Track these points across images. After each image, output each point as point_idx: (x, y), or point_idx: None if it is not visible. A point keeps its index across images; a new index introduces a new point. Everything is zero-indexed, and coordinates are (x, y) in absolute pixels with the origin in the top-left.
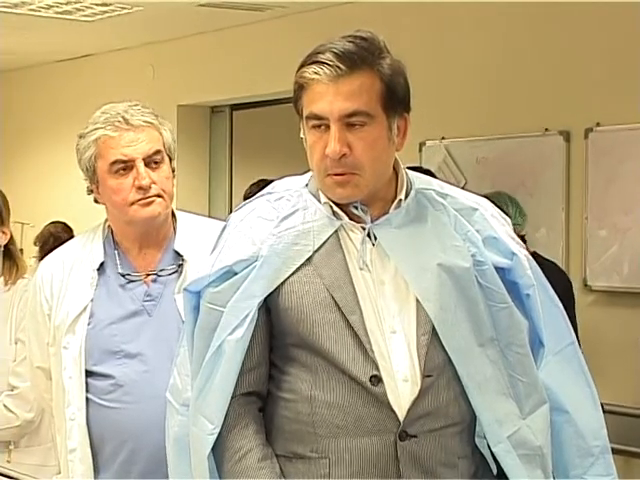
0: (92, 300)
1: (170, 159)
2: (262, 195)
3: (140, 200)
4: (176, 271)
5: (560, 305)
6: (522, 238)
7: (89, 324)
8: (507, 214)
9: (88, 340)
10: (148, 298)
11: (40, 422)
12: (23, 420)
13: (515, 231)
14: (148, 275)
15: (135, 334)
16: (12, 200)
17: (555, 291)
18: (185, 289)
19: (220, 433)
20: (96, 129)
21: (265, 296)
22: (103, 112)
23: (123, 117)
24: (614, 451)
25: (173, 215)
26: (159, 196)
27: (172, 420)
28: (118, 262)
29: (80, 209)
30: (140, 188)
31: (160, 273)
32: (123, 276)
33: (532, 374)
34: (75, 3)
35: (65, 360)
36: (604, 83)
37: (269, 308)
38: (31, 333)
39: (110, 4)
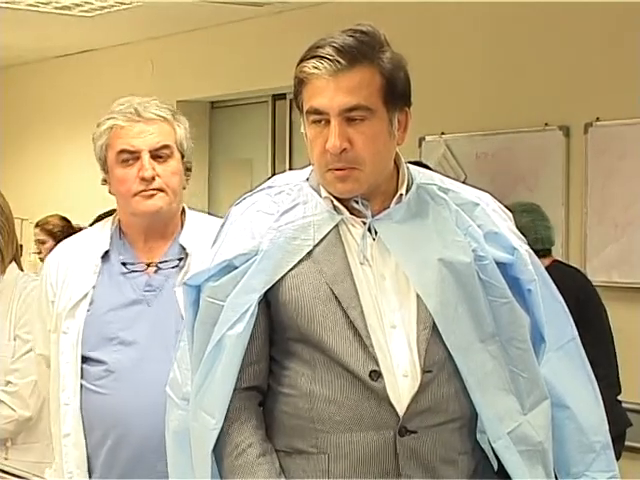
0: (94, 287)
1: (182, 156)
2: (262, 189)
3: (143, 191)
4: (178, 265)
5: (562, 300)
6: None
7: (88, 310)
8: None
9: (86, 326)
10: (148, 288)
11: (37, 419)
12: (20, 417)
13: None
14: (149, 265)
15: (132, 322)
16: (11, 196)
17: (577, 297)
18: (185, 283)
19: (220, 428)
20: (109, 119)
21: (265, 290)
22: (119, 103)
23: (135, 109)
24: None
25: (184, 212)
26: (162, 190)
27: (172, 414)
28: (122, 251)
29: (78, 203)
30: (143, 179)
31: (161, 265)
32: (125, 265)
33: (533, 370)
34: None
35: (63, 345)
36: (604, 78)
37: (269, 302)
38: (36, 320)
39: None
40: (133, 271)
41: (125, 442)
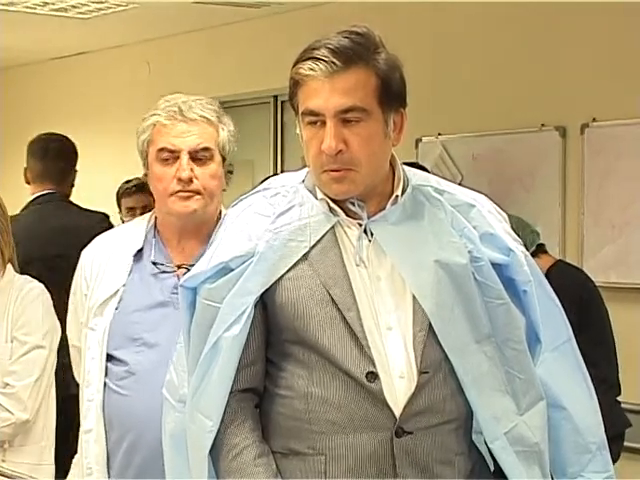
0: (124, 285)
1: (224, 159)
2: (258, 191)
3: (179, 192)
4: None
5: (557, 301)
6: (542, 247)
7: (117, 309)
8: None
9: (113, 324)
10: (176, 291)
11: (34, 421)
12: (18, 419)
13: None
14: (180, 267)
15: (157, 324)
16: (10, 196)
17: (580, 296)
18: (181, 285)
19: (217, 430)
20: (153, 115)
21: (261, 292)
22: (165, 100)
23: (179, 108)
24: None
25: (221, 214)
26: (198, 193)
27: (168, 416)
28: (154, 251)
29: (77, 202)
30: (180, 180)
31: (192, 268)
32: (155, 264)
33: (529, 370)
34: (70, 0)
35: (89, 341)
36: (600, 78)
37: (265, 304)
38: (71, 311)
39: (105, 1)
40: (163, 272)
41: (139, 445)
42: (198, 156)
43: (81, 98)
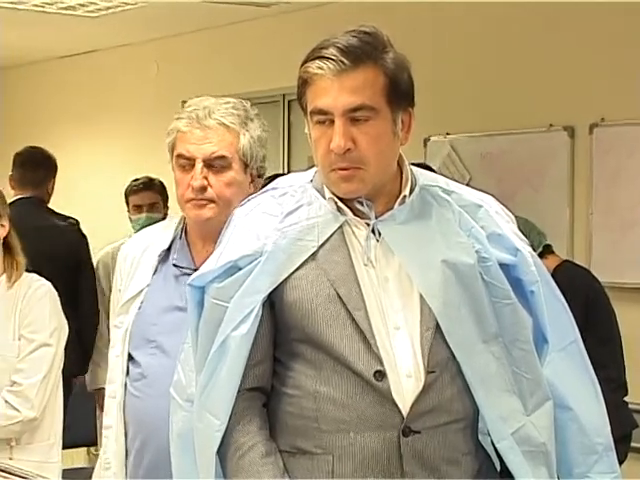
0: (148, 285)
1: (246, 166)
2: (266, 190)
3: (193, 200)
4: None
5: (564, 301)
6: (549, 247)
7: (139, 308)
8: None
9: (134, 324)
10: None
11: (41, 419)
12: (25, 417)
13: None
14: None
15: (173, 328)
16: None
17: (587, 296)
18: (189, 284)
19: (225, 429)
20: (177, 119)
21: (269, 291)
22: (191, 103)
23: (197, 115)
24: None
25: None
26: (212, 201)
27: (176, 416)
28: (177, 253)
29: (82, 203)
30: (193, 188)
31: None
32: (176, 267)
33: (536, 371)
34: None
35: (114, 338)
36: (609, 78)
37: (273, 303)
38: (114, 300)
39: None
40: (185, 274)
41: (147, 448)
42: (213, 164)
43: (89, 96)
